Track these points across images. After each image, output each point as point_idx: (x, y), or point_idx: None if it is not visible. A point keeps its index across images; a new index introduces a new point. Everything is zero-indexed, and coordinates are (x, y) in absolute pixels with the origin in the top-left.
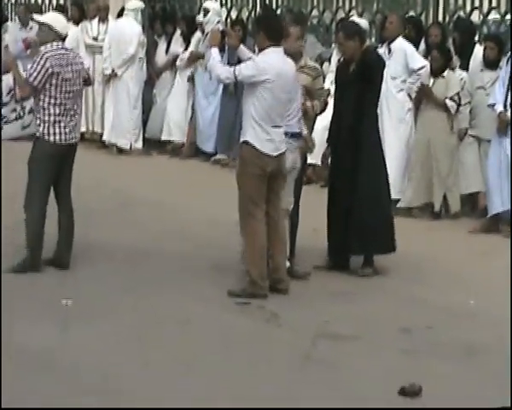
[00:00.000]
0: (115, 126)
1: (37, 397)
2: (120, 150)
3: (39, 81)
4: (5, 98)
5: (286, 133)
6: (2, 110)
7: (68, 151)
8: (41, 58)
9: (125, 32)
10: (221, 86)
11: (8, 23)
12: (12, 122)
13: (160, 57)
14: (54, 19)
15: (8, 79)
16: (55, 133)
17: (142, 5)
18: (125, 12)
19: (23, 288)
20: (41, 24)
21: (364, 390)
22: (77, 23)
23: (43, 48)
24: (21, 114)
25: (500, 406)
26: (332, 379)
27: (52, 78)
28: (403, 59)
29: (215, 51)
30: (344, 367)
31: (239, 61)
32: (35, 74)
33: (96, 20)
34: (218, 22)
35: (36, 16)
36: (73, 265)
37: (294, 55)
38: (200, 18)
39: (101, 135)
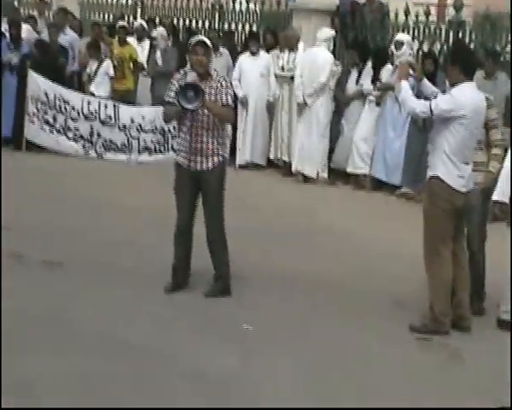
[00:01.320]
0: (303, 155)
1: None
2: (306, 179)
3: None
4: None
5: None
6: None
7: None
8: (230, 84)
9: (317, 60)
10: (409, 119)
11: None
12: None
13: (350, 87)
14: None
15: None
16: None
17: (333, 34)
18: (318, 41)
19: (198, 311)
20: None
21: None
22: (269, 50)
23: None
24: None
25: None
26: None
27: None
28: None
29: (406, 84)
30: None
31: (418, 95)
32: (232, 99)
33: (286, 49)
34: (410, 55)
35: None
36: (250, 290)
37: None
38: (393, 50)
39: (288, 162)
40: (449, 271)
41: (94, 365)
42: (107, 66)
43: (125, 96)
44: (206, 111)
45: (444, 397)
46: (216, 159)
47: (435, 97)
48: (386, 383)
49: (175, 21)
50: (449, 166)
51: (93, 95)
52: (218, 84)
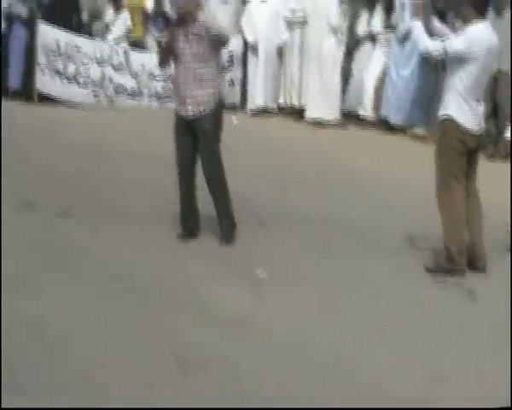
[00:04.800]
0: (314, 98)
1: (223, 360)
2: (317, 122)
3: None
4: None
5: None
6: None
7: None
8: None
9: (324, 2)
10: (414, 58)
11: None
12: None
13: (361, 29)
14: None
15: None
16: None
17: None
18: None
19: (216, 255)
20: None
21: None
22: None
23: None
24: None
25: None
26: None
27: None
28: None
29: (419, 24)
30: None
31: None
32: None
33: None
34: None
35: None
36: (265, 232)
37: None
38: None
39: (299, 107)
40: (462, 207)
41: (107, 307)
42: (126, 17)
43: (135, 45)
44: (192, 48)
45: (455, 336)
46: (207, 103)
47: (446, 37)
48: (399, 322)
49: None
50: (462, 106)
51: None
52: (203, 28)
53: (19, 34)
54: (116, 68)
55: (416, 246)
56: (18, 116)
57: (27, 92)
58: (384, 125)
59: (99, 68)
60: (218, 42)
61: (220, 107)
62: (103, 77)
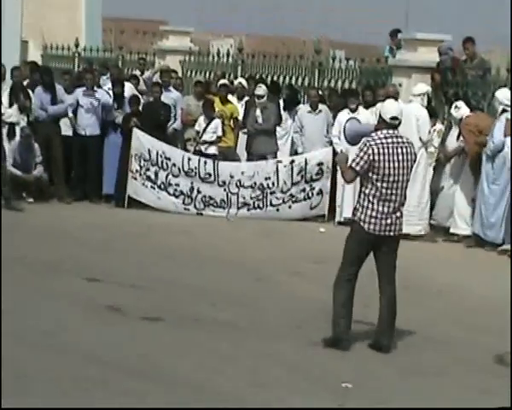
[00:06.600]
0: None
1: None
2: (406, 235)
3: (361, 167)
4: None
5: None
6: (293, 189)
7: (384, 241)
8: (365, 145)
9: (411, 117)
10: (505, 173)
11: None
12: (300, 202)
13: (451, 143)
14: (385, 105)
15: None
16: (370, 222)
17: (428, 90)
18: (411, 96)
19: (306, 363)
20: None
21: None
22: (368, 107)
23: (373, 134)
24: (310, 194)
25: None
26: None
27: (374, 166)
28: None
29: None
30: None
31: None
32: (358, 160)
33: None
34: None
35: None
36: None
37: None
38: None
39: None
40: None
41: None
42: (217, 125)
43: (226, 154)
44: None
45: None
46: (354, 217)
47: None
48: None
49: (275, 79)
50: None
51: (201, 152)
52: None
53: (113, 140)
54: (204, 180)
55: (505, 363)
56: (108, 220)
57: (119, 197)
58: (474, 239)
59: (188, 179)
60: None
61: (356, 225)
62: (192, 188)
